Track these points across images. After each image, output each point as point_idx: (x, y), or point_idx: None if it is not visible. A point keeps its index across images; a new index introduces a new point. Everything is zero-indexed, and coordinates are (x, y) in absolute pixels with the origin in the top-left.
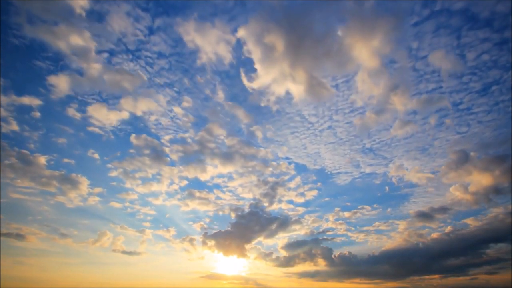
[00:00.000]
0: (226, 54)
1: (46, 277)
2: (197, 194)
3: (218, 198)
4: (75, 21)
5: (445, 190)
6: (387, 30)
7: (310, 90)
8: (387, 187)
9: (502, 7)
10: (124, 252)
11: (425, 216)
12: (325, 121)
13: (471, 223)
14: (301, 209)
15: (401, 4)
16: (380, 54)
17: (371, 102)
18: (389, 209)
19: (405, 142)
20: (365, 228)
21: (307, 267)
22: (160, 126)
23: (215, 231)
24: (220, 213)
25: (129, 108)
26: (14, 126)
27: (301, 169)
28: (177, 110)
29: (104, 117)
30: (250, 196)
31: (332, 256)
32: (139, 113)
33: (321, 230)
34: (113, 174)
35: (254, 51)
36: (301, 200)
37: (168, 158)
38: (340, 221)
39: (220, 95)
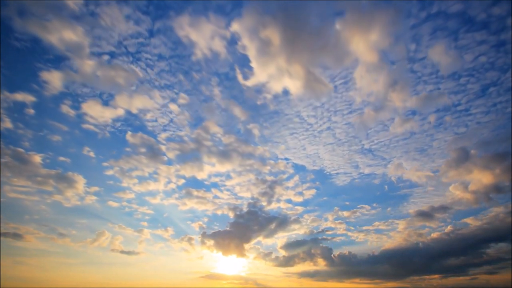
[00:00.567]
0: (221, 49)
1: (45, 277)
2: (195, 193)
3: (216, 197)
4: (68, 16)
5: (445, 189)
6: (385, 23)
7: (308, 86)
8: (386, 186)
9: (499, 9)
10: (122, 252)
11: (425, 215)
12: (324, 122)
13: (471, 222)
14: (299, 208)
15: None
16: (378, 49)
17: (370, 100)
18: (388, 209)
19: (403, 143)
20: (364, 227)
21: (307, 267)
22: (156, 123)
23: (213, 231)
24: (219, 212)
25: (124, 105)
26: (8, 124)
27: (300, 170)
28: (173, 107)
29: (99, 114)
30: (248, 195)
31: (332, 255)
32: (134, 111)
33: (320, 229)
34: (110, 172)
35: (249, 46)
36: (299, 199)
37: (165, 157)
38: (339, 221)
39: (216, 92)
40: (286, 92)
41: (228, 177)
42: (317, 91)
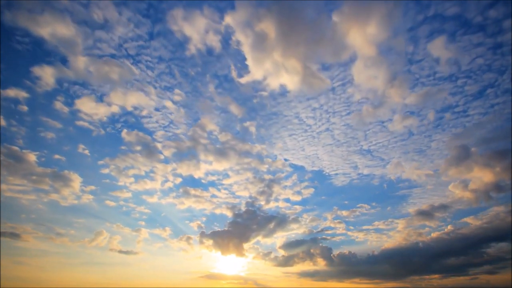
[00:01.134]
0: (216, 44)
1: (44, 277)
2: (192, 192)
3: (213, 196)
4: (59, 9)
5: (444, 188)
6: (383, 15)
7: (305, 81)
8: (385, 185)
9: (495, 12)
10: (121, 251)
11: (424, 214)
12: (322, 123)
13: (471, 222)
14: (298, 208)
15: None
16: (376, 42)
17: (369, 96)
18: (388, 208)
19: (402, 144)
20: (364, 227)
21: (307, 266)
22: (151, 121)
23: (212, 230)
24: (217, 211)
25: (119, 102)
26: (1, 121)
27: (299, 170)
28: (169, 104)
29: (93, 110)
30: (246, 194)
31: (332, 255)
32: (129, 108)
33: (319, 229)
34: (105, 171)
35: (244, 40)
36: (298, 198)
37: (161, 155)
38: (338, 220)
39: (212, 88)
40: (283, 89)
41: (226, 175)
42: (315, 87)
